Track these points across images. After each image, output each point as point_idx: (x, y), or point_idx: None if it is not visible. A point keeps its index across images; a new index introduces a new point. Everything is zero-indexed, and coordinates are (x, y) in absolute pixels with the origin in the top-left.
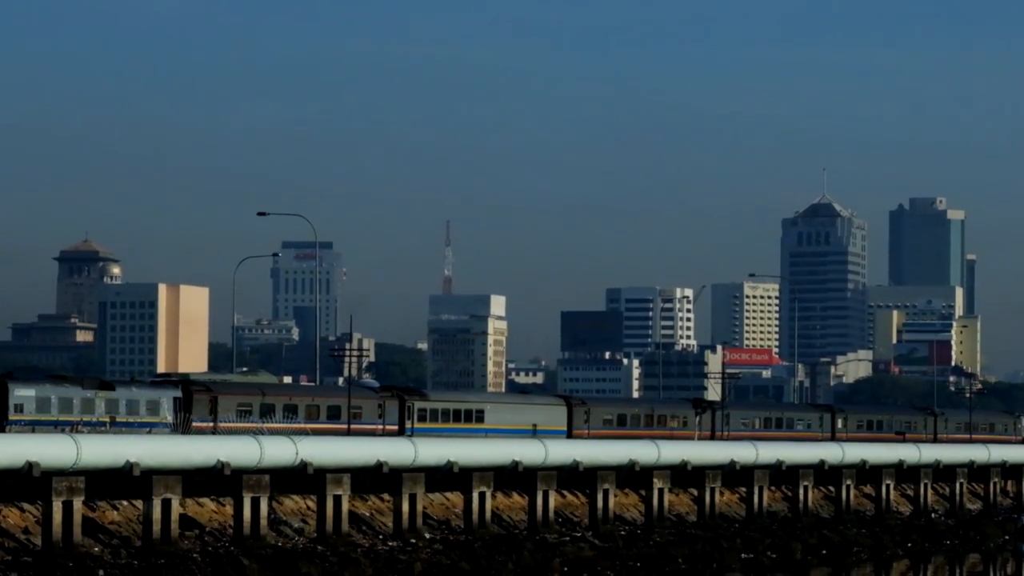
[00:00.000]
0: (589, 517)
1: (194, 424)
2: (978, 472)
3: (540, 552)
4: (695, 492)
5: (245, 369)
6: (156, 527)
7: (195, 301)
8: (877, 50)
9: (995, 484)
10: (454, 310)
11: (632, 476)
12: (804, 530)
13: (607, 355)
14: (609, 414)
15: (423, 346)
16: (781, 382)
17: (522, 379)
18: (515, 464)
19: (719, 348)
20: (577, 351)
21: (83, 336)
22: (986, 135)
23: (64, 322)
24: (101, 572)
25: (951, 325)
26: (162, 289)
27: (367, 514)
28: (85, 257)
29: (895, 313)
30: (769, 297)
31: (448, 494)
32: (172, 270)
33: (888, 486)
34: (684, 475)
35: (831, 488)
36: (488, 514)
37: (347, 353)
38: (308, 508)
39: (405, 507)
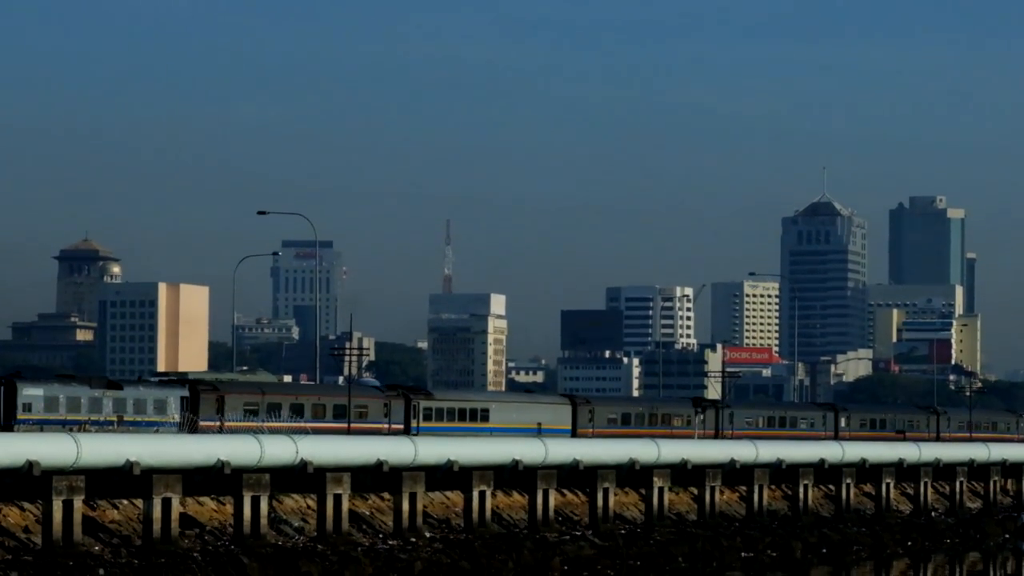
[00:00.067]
0: (589, 516)
1: (201, 423)
2: (978, 471)
3: (540, 551)
4: (695, 491)
5: (245, 368)
6: (156, 526)
7: (195, 300)
8: (877, 49)
9: (995, 483)
10: (454, 309)
11: (632, 475)
12: (804, 529)
13: (607, 354)
14: (613, 413)
15: (423, 345)
16: (781, 381)
17: (522, 378)
18: (515, 463)
19: (719, 347)
20: (577, 350)
21: (83, 335)
22: (986, 134)
23: (64, 321)
24: (101, 571)
25: (951, 324)
26: (162, 288)
27: (367, 513)
28: (85, 256)
29: (895, 312)
30: (769, 296)
31: (448, 493)
32: (172, 269)
33: (888, 485)
34: (684, 474)
35: (831, 487)
36: (488, 513)
37: (347, 352)
38: (308, 507)
39: (405, 506)
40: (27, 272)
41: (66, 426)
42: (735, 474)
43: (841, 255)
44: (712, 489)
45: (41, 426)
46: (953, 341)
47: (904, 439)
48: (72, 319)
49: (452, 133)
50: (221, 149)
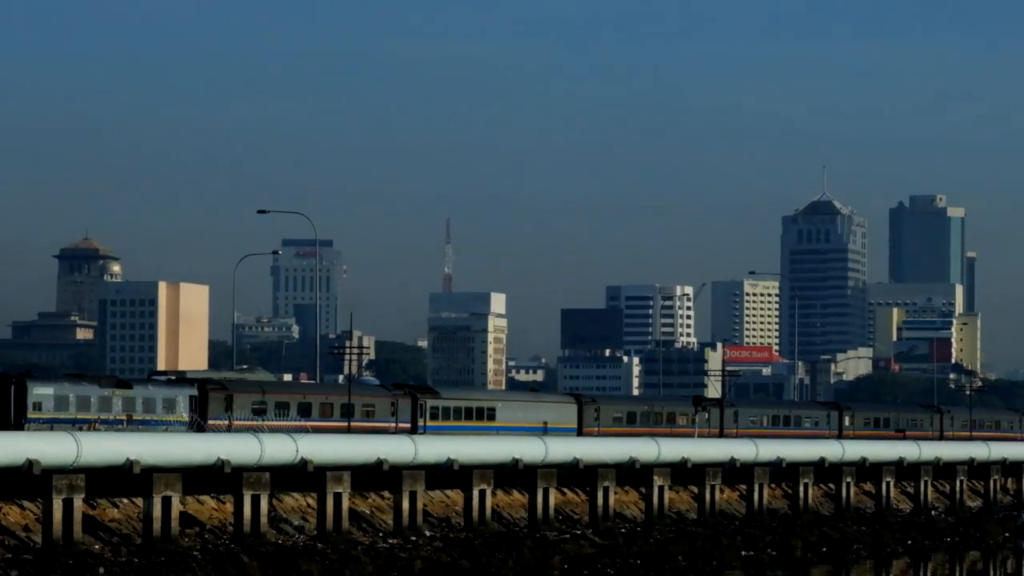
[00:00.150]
0: (589, 515)
1: (210, 422)
2: (978, 469)
3: (540, 550)
4: (695, 490)
5: (245, 367)
6: (156, 525)
7: (195, 299)
8: (877, 47)
9: (995, 481)
10: (454, 308)
11: (632, 474)
12: (804, 527)
13: (607, 353)
14: (619, 412)
15: (423, 344)
16: (781, 380)
17: (522, 377)
18: (515, 462)
19: (719, 345)
20: (577, 349)
21: (83, 334)
22: (986, 133)
23: (64, 320)
24: (101, 570)
25: (951, 322)
26: (162, 287)
27: (367, 512)
28: (85, 255)
29: (895, 310)
30: (769, 294)
31: (448, 492)
32: (172, 268)
33: (888, 483)
34: (684, 473)
35: (831, 485)
36: (488, 512)
37: (347, 351)
38: (308, 506)
39: (405, 505)
40: (27, 271)
41: (76, 425)
42: (735, 473)
43: (841, 254)
44: (712, 488)
45: (51, 425)
46: (953, 340)
47: (904, 438)
48: (72, 318)
49: (452, 132)
50: (221, 148)
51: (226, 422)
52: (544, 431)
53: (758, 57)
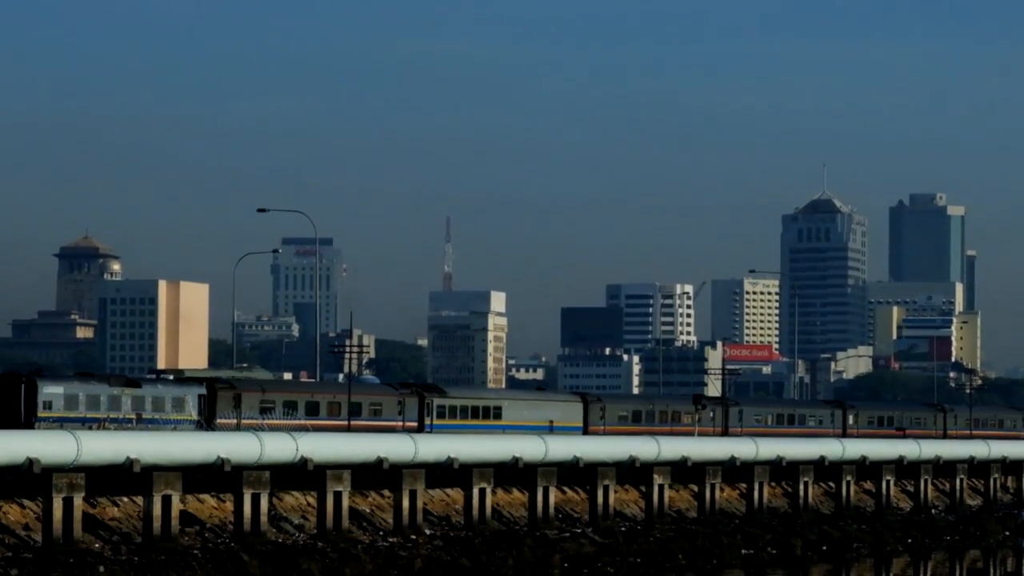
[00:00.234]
0: (589, 513)
1: (219, 421)
2: (978, 468)
3: (540, 548)
4: (695, 488)
5: (245, 365)
6: (156, 523)
7: (195, 297)
8: (877, 46)
9: (995, 480)
10: (454, 306)
11: (632, 472)
12: (804, 526)
13: (607, 351)
14: (624, 410)
15: (423, 342)
16: (781, 378)
17: (522, 375)
18: (515, 460)
19: (719, 344)
20: (577, 347)
21: (83, 332)
22: (986, 132)
23: (64, 318)
24: (101, 568)
25: (951, 321)
26: (162, 285)
27: (367, 510)
28: (85, 253)
29: (895, 309)
30: (769, 293)
31: (448, 490)
32: (172, 266)
33: (888, 482)
34: (684, 471)
35: (831, 484)
36: (488, 510)
37: (347, 349)
38: (308, 504)
39: (405, 503)
40: (27, 269)
41: (85, 424)
42: (735, 471)
43: (841, 252)
44: (712, 486)
45: (61, 424)
46: (953, 338)
47: (904, 436)
48: (72, 316)
49: (452, 130)
50: (221, 146)
51: (235, 421)
52: (550, 430)
53: (758, 56)
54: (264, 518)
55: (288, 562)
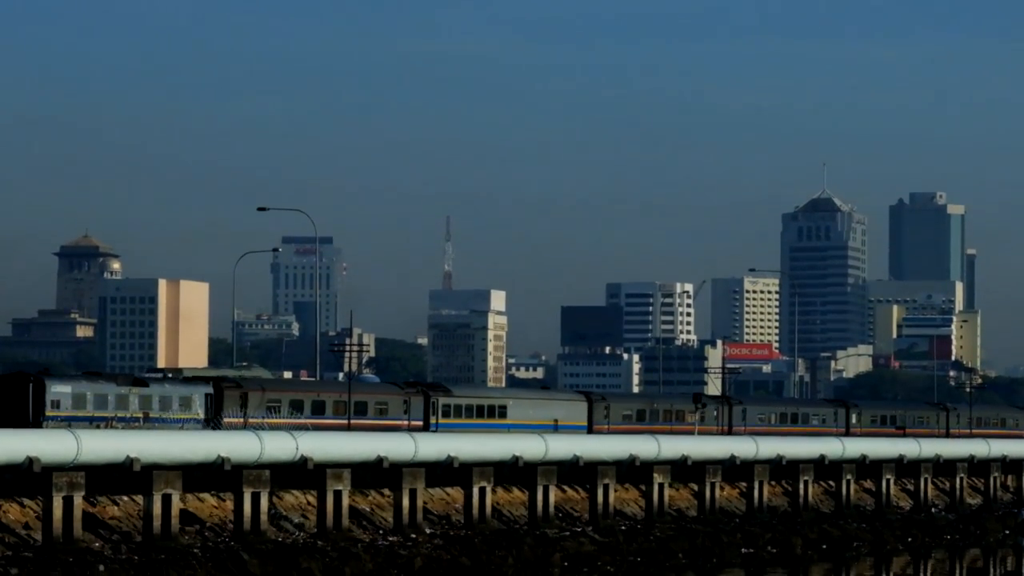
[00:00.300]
0: (589, 512)
1: (225, 420)
2: (978, 467)
3: (540, 547)
4: (695, 487)
5: (245, 364)
6: (156, 522)
7: (195, 296)
8: (877, 45)
9: (995, 479)
10: (454, 305)
11: (632, 471)
12: (804, 525)
13: (607, 350)
14: (628, 409)
15: (423, 341)
16: (781, 377)
17: (522, 374)
18: (515, 459)
19: (719, 343)
20: (577, 346)
21: (83, 331)
22: (986, 130)
23: (64, 317)
24: (101, 567)
25: (951, 320)
26: (162, 284)
27: (367, 509)
28: (85, 252)
29: (895, 308)
30: (769, 292)
31: (448, 489)
32: (172, 265)
33: (888, 481)
34: (684, 470)
35: (831, 483)
36: (488, 509)
37: (347, 348)
38: (308, 503)
39: (405, 502)
40: (27, 268)
41: (93, 423)
42: (735, 470)
43: (841, 251)
44: (712, 485)
45: (69, 423)
46: (953, 337)
47: (904, 435)
48: (72, 315)
49: (452, 129)
50: (221, 145)
51: (241, 420)
52: (555, 429)
53: (758, 55)
54: (264, 517)
55: (288, 561)
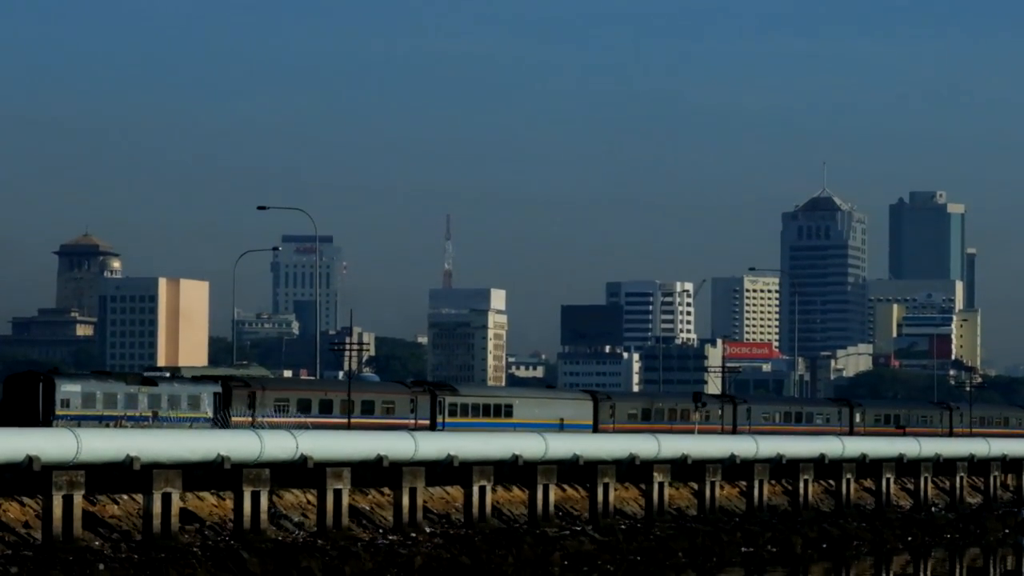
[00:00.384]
0: (589, 511)
1: (233, 419)
2: (978, 466)
3: (540, 546)
4: (695, 486)
5: (245, 362)
6: (156, 521)
7: (195, 295)
8: (877, 44)
9: (995, 478)
10: (454, 304)
11: (632, 470)
12: (804, 524)
13: (607, 349)
14: (634, 408)
15: (423, 340)
16: (781, 376)
17: (522, 373)
18: (515, 458)
19: (719, 342)
20: (577, 345)
21: (83, 330)
22: (986, 129)
23: (64, 316)
24: (101, 566)
25: (951, 319)
26: (162, 283)
27: (367, 508)
28: (85, 251)
29: (895, 307)
30: (769, 291)
31: (448, 488)
32: (172, 264)
33: (888, 480)
34: (684, 469)
35: (831, 482)
36: (488, 508)
37: (347, 347)
38: (308, 502)
39: (405, 501)
40: (27, 267)
41: (103, 421)
42: (735, 469)
43: (841, 250)
44: (712, 484)
45: (79, 422)
46: (953, 336)
47: (904, 434)
48: (72, 314)
49: (452, 128)
50: (221, 144)
51: (249, 419)
52: (560, 428)
53: (758, 54)
54: (264, 516)
55: (288, 560)
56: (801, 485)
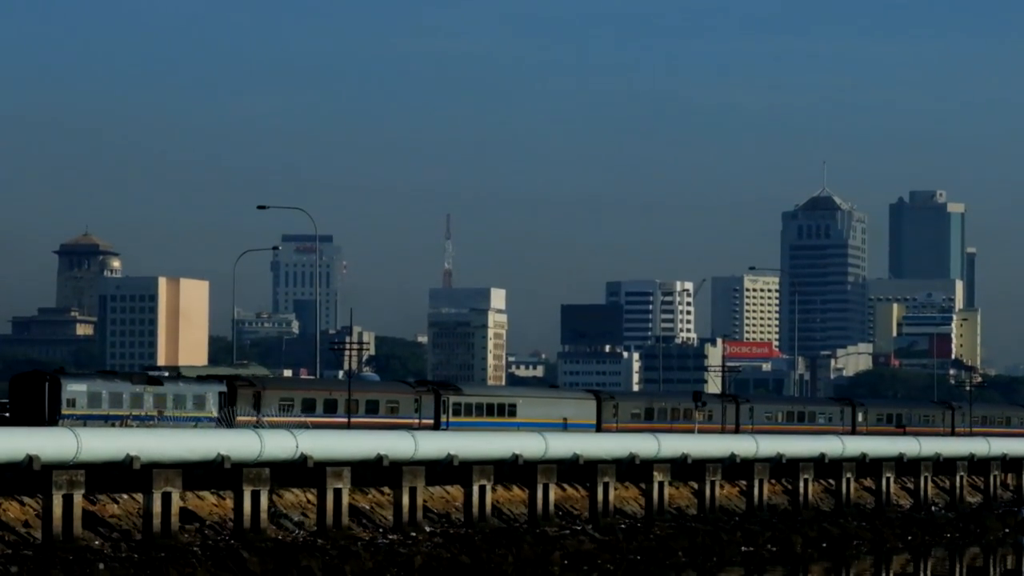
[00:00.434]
0: (589, 510)
1: (239, 418)
2: (978, 465)
3: (540, 545)
4: (695, 485)
5: (245, 362)
6: (156, 520)
7: (195, 294)
8: (877, 42)
9: (995, 477)
10: (454, 303)
11: (632, 469)
12: (804, 523)
13: (607, 348)
14: (637, 408)
15: (423, 339)
16: (781, 375)
17: (522, 372)
18: (515, 457)
19: (719, 341)
20: (577, 344)
21: (83, 329)
22: (986, 129)
23: (64, 315)
24: (101, 566)
25: (951, 318)
26: (162, 282)
27: (367, 507)
28: (85, 250)
29: (895, 306)
30: (769, 290)
31: (448, 487)
32: (172, 263)
33: (888, 479)
34: (684, 468)
35: (831, 481)
36: (488, 507)
37: (347, 346)
38: (308, 501)
39: (405, 500)
40: (27, 266)
41: (108, 421)
42: (735, 468)
43: (841, 249)
44: (712, 483)
45: (84, 421)
46: (953, 336)
47: (904, 433)
48: (72, 313)
49: (453, 127)
50: (221, 143)
51: (255, 418)
52: (564, 427)
53: (757, 53)
54: (264, 515)
55: (288, 559)
56: (801, 484)
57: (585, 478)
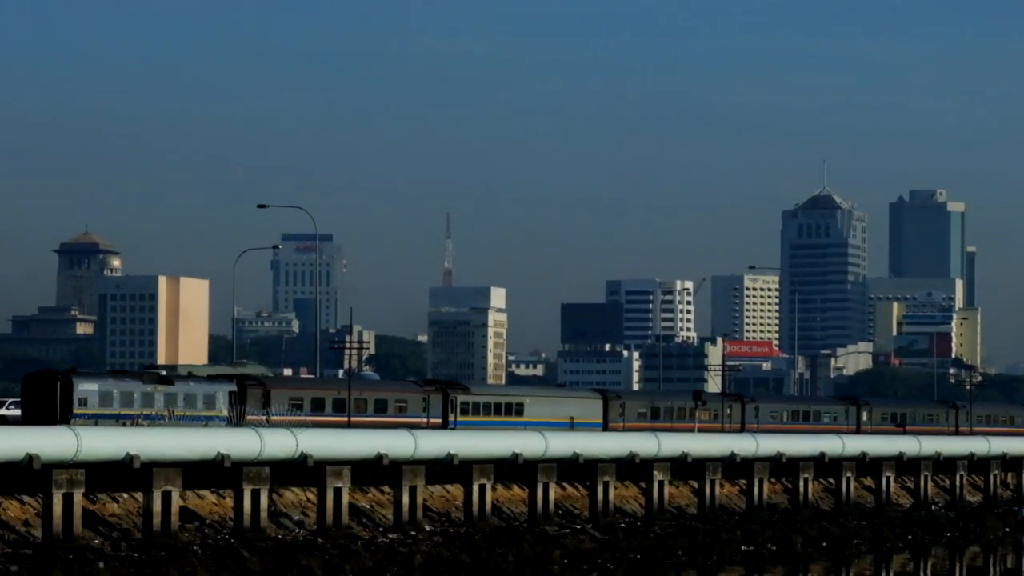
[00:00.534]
0: (589, 509)
1: (248, 417)
2: (978, 464)
3: (540, 544)
4: (695, 484)
5: (245, 361)
6: (156, 519)
7: (195, 293)
8: (877, 42)
9: (995, 476)
10: (454, 302)
11: (632, 468)
12: (804, 522)
13: (607, 347)
14: (643, 407)
15: (423, 338)
16: (781, 374)
17: (522, 371)
18: (515, 456)
19: (719, 340)
20: (577, 343)
21: (83, 328)
22: (986, 127)
23: (64, 314)
24: (101, 564)
25: (951, 317)
26: (162, 281)
27: (367, 506)
28: (85, 249)
29: (895, 305)
30: (769, 289)
31: (448, 486)
32: (172, 262)
33: (888, 478)
34: (684, 467)
35: (831, 480)
36: (488, 506)
37: (347, 345)
38: (308, 500)
39: (405, 499)
40: (27, 265)
41: (120, 420)
42: (735, 467)
43: (841, 248)
44: (712, 482)
45: (96, 420)
46: (953, 334)
47: (904, 432)
48: (72, 312)
49: (452, 127)
50: (221, 142)
51: (264, 417)
52: (571, 426)
53: (757, 52)
54: (264, 514)
55: (288, 558)
56: (801, 483)
57: (585, 477)
